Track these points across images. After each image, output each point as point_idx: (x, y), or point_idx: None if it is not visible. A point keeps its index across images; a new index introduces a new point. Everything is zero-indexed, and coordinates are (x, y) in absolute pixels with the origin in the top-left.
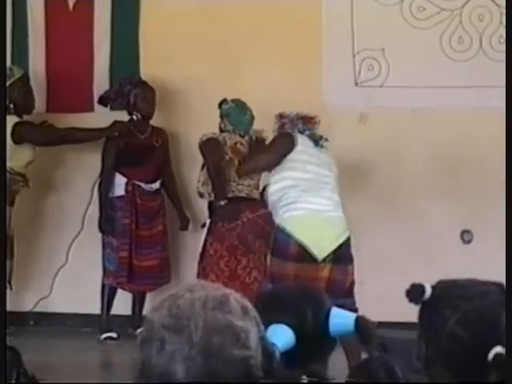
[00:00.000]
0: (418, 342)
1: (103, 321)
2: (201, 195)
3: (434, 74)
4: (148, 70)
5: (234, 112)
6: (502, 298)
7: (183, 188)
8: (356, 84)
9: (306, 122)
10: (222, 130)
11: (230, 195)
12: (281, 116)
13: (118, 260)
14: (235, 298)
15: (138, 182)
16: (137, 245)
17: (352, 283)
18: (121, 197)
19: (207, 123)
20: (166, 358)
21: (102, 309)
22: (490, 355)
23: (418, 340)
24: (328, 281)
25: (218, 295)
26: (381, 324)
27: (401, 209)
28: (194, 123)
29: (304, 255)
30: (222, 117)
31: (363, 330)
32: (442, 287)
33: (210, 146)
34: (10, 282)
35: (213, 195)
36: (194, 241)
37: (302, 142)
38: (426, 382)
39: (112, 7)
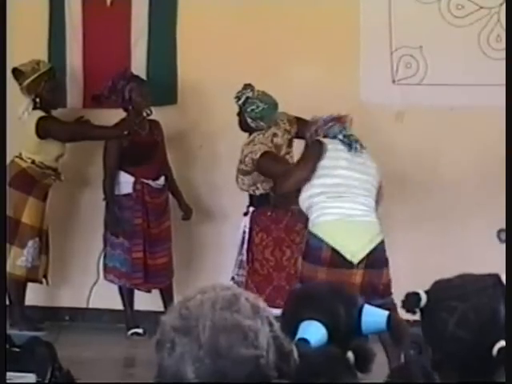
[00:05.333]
0: (425, 347)
1: (128, 317)
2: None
3: (471, 72)
4: (185, 69)
5: (267, 112)
6: (498, 290)
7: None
8: (393, 82)
9: (338, 122)
10: (250, 128)
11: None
12: (313, 122)
13: (131, 261)
14: (246, 297)
15: (145, 181)
16: (150, 244)
17: (387, 284)
18: (127, 195)
19: None
20: (176, 359)
21: (125, 306)
22: (495, 350)
23: (424, 344)
24: (361, 285)
25: (228, 295)
26: (417, 322)
27: (437, 207)
28: (234, 123)
29: (336, 260)
30: (252, 118)
31: (395, 328)
32: (436, 290)
33: (268, 160)
34: (46, 277)
35: (260, 188)
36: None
37: (332, 148)
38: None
39: (150, 4)
